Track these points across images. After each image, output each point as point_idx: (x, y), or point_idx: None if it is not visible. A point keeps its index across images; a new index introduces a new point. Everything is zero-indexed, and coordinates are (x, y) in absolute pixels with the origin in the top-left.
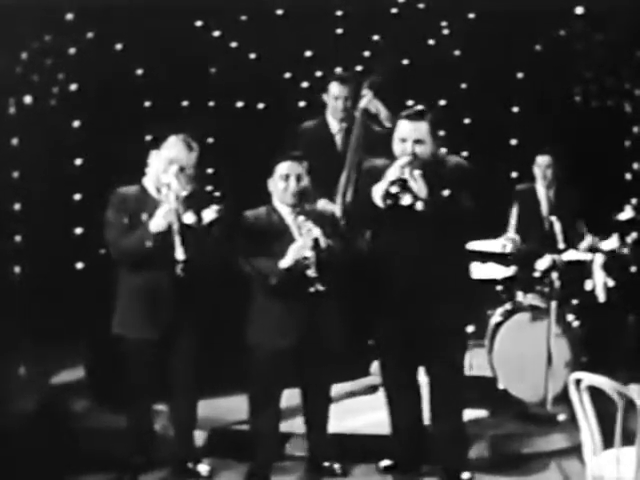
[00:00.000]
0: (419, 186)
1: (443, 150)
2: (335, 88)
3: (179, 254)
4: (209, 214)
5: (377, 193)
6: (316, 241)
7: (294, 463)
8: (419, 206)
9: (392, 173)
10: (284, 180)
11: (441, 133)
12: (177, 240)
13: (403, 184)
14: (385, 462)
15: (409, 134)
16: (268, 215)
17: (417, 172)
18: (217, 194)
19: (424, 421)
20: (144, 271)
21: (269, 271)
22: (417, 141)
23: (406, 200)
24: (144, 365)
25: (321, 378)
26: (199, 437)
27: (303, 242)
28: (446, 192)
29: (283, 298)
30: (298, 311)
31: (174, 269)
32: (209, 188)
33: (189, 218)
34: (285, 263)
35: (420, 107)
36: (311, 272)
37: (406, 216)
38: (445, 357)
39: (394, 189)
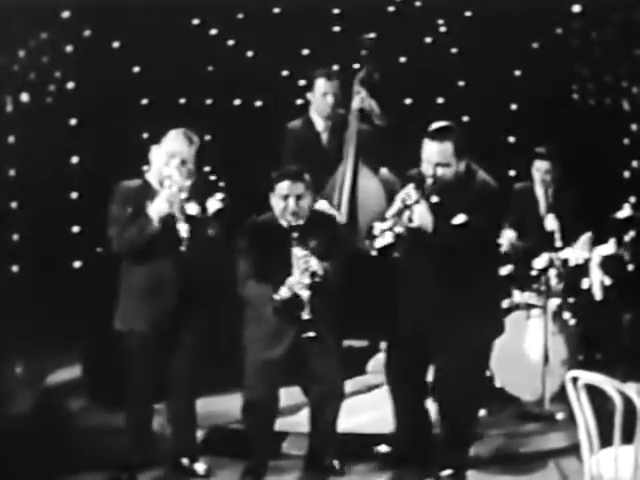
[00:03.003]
0: (423, 219)
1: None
2: (323, 84)
3: (183, 232)
4: (214, 204)
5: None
6: (313, 275)
7: (291, 462)
8: (424, 237)
9: (395, 205)
10: (283, 200)
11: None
12: (180, 219)
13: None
14: (383, 447)
15: (432, 157)
16: (269, 226)
17: (425, 203)
18: (220, 183)
19: (430, 419)
20: (146, 265)
21: (263, 300)
22: (439, 164)
23: (378, 243)
24: (145, 361)
25: (330, 375)
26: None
27: (300, 278)
28: (460, 217)
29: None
30: (291, 325)
31: (176, 262)
32: (212, 178)
33: (192, 209)
34: (279, 296)
35: (445, 123)
36: (305, 314)
37: (418, 241)
38: (459, 358)
39: (387, 225)
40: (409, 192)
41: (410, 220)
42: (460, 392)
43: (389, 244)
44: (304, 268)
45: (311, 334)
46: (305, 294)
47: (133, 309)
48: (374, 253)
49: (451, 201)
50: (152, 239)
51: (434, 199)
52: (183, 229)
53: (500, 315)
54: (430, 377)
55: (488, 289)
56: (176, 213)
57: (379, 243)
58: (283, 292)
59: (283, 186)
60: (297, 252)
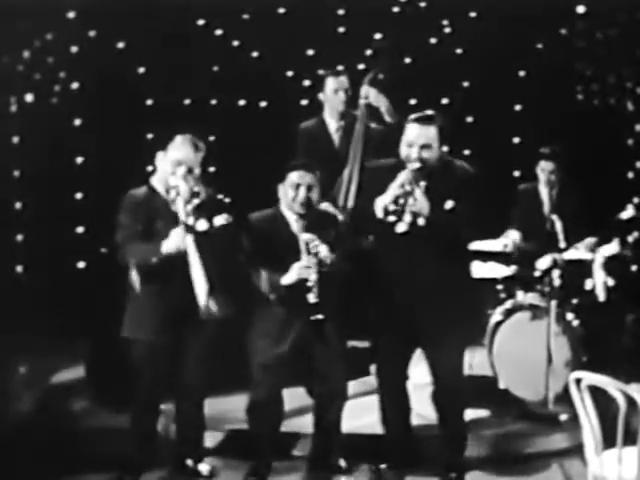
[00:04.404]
0: (420, 203)
1: (445, 151)
2: (333, 82)
3: (201, 298)
4: (220, 220)
5: (379, 207)
6: (321, 261)
7: (295, 462)
8: (420, 222)
9: (392, 191)
10: (294, 189)
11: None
12: (199, 284)
13: (402, 205)
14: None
15: (416, 139)
16: (274, 220)
17: (420, 188)
18: (227, 200)
19: (411, 419)
20: (157, 280)
21: (269, 286)
22: (424, 146)
23: (401, 227)
24: (154, 367)
25: (334, 375)
26: (210, 437)
27: (307, 262)
28: (449, 203)
29: (282, 308)
30: (296, 319)
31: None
32: (220, 196)
33: (202, 225)
34: (287, 280)
35: (430, 112)
36: (312, 297)
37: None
38: (445, 355)
39: (392, 208)
40: (408, 177)
41: (413, 205)
42: (458, 391)
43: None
44: (313, 253)
45: (319, 317)
46: (313, 277)
47: (142, 319)
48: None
49: (437, 186)
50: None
51: (423, 184)
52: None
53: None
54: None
55: (471, 275)
56: (188, 247)
57: (401, 228)
58: (290, 276)
59: (295, 175)
60: (305, 237)
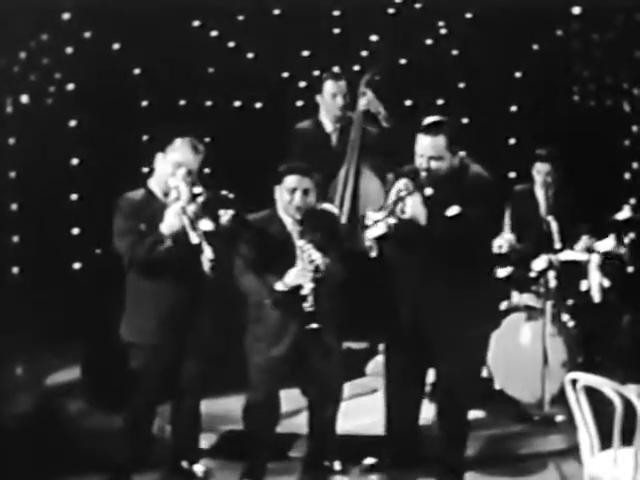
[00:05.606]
0: (413, 210)
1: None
2: (332, 85)
3: (207, 253)
4: (225, 216)
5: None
6: (316, 268)
7: (290, 463)
8: (416, 228)
9: (390, 198)
10: (290, 193)
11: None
12: (194, 236)
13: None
14: (369, 460)
15: (425, 150)
16: (270, 222)
17: (417, 195)
18: (231, 196)
19: (419, 421)
20: (159, 280)
21: (265, 291)
22: (432, 157)
23: (370, 234)
24: (155, 370)
25: (330, 376)
26: (206, 438)
27: (303, 268)
28: (455, 209)
29: (278, 312)
30: (292, 322)
31: (192, 279)
32: (224, 192)
33: (206, 225)
34: (282, 286)
35: (437, 118)
36: (308, 306)
37: (411, 233)
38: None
39: (380, 215)
40: (403, 184)
41: (402, 212)
42: (461, 392)
43: (381, 234)
44: (308, 261)
45: (315, 326)
46: (309, 285)
47: (144, 322)
48: (367, 243)
49: (445, 194)
50: (166, 256)
51: (428, 192)
52: (208, 252)
53: (496, 308)
54: (430, 379)
55: (483, 282)
56: (187, 228)
57: (371, 233)
58: (285, 283)
59: (291, 180)
60: (301, 244)
